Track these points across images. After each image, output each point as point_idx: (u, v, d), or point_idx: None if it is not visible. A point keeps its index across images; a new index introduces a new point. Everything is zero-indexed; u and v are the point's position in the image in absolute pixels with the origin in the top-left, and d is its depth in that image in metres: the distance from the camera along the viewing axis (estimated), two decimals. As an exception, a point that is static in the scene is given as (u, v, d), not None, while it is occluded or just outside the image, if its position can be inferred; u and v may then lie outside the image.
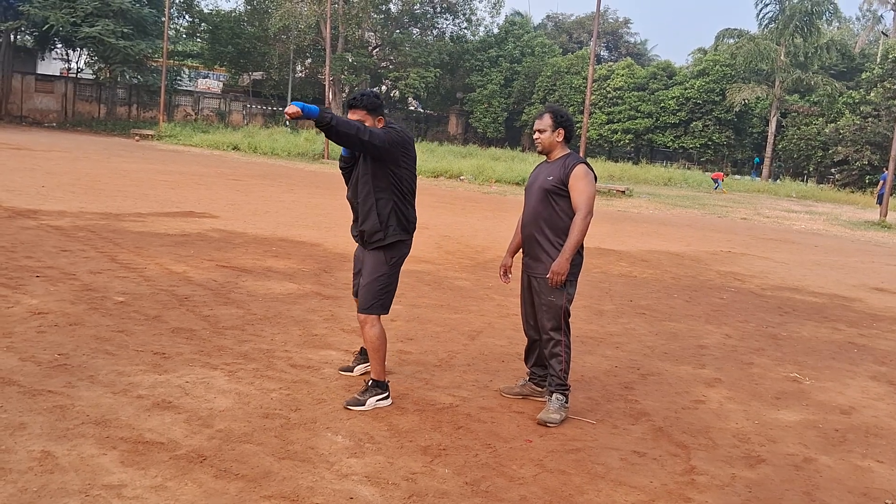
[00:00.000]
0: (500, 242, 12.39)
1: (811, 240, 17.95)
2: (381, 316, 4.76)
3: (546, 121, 4.89)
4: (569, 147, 4.99)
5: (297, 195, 17.12)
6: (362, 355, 5.34)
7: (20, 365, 4.87)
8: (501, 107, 55.99)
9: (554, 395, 4.79)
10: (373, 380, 4.74)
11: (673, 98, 50.61)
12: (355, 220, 4.84)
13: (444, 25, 58.20)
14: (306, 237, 11.17)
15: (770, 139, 47.68)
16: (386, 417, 4.52)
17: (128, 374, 4.89)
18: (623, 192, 25.77)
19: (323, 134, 4.51)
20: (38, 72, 46.16)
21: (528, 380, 5.17)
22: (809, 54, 47.27)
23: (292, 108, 4.17)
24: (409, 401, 4.85)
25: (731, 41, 50.89)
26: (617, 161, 47.13)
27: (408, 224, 4.76)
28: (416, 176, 4.82)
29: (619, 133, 51.93)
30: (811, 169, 48.52)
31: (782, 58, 46.93)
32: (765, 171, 47.23)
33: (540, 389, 5.09)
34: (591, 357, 6.25)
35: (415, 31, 56.17)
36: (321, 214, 14.17)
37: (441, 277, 9.05)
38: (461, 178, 27.20)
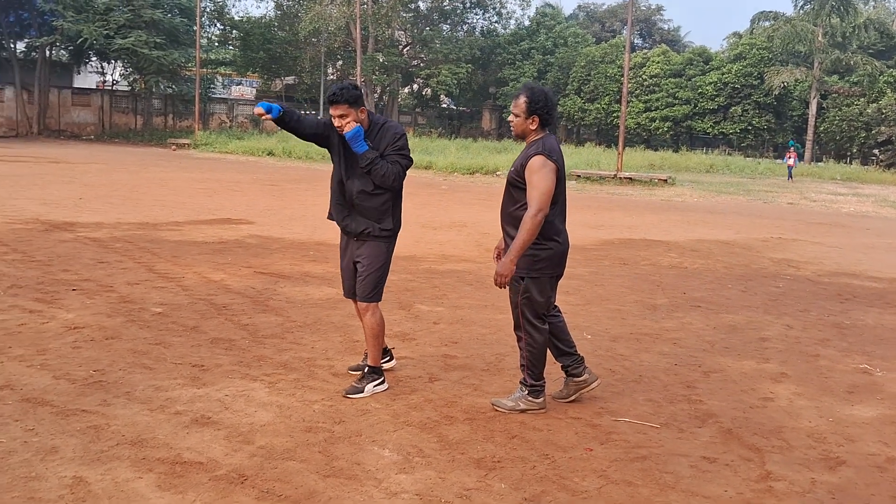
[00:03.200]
0: (541, 237, 12.06)
1: (861, 223, 17.36)
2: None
3: (520, 105, 4.46)
4: (548, 130, 4.52)
5: (333, 197, 16.93)
6: None
7: (53, 384, 4.69)
8: (535, 100, 55.45)
9: (519, 385, 4.67)
10: (369, 366, 4.84)
11: (710, 83, 49.70)
12: (349, 213, 4.81)
13: (475, 20, 57.85)
14: (344, 239, 10.95)
15: (811, 121, 46.60)
16: (434, 428, 4.26)
17: (165, 388, 4.70)
18: (665, 180, 25.23)
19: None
20: (75, 86, 46.70)
21: (567, 376, 4.82)
22: (847, 34, 46.12)
23: (347, 129, 4.53)
24: (459, 409, 4.58)
25: (767, 24, 49.84)
26: (657, 149, 46.35)
27: (399, 220, 4.87)
28: None
29: (658, 121, 51.11)
30: (854, 150, 47.34)
31: (820, 38, 45.81)
32: (806, 154, 46.16)
33: (580, 378, 4.76)
34: (647, 355, 5.93)
35: (445, 28, 55.87)
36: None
37: (483, 276, 8.76)
38: (497, 173, 26.86)
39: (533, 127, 4.47)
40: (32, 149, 30.06)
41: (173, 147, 36.06)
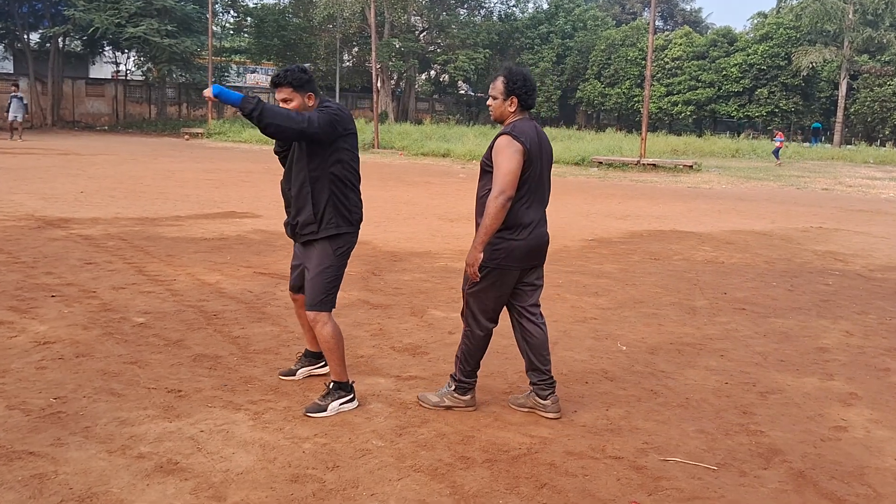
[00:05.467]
0: (564, 230, 11.30)
1: (904, 209, 16.42)
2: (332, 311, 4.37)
3: (498, 86, 4.13)
4: (528, 115, 4.20)
5: (346, 188, 16.22)
6: (306, 357, 4.84)
7: (5, 416, 4.02)
8: (554, 84, 54.32)
9: (449, 378, 4.37)
10: (333, 381, 4.29)
11: (735, 65, 48.38)
12: (288, 212, 4.34)
13: (492, 4, 56.81)
14: (354, 234, 10.24)
15: (840, 103, 45.24)
16: (447, 474, 3.54)
17: (131, 422, 4.00)
18: (691, 166, 24.29)
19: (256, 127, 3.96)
20: (91, 76, 46.22)
21: (533, 390, 4.33)
22: (879, 11, 44.58)
23: (208, 92, 3.82)
24: (476, 446, 3.85)
25: (795, 2, 48.48)
26: (679, 134, 45.18)
27: (349, 214, 4.26)
28: (358, 158, 4.34)
29: (680, 105, 49.91)
30: (887, 132, 45.94)
31: (850, 16, 44.37)
32: (836, 137, 44.91)
33: (543, 402, 4.26)
34: (693, 371, 5.17)
35: (462, 12, 54.85)
36: (372, 209, 13.16)
37: (504, 274, 8.01)
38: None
39: (511, 109, 4.13)
40: (44, 140, 29.54)
41: (186, 137, 35.46)
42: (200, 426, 3.98)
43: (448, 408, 4.28)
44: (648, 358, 5.41)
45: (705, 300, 7.25)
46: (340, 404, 4.23)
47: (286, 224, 4.40)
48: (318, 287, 4.23)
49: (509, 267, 4.08)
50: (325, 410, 4.18)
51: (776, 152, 30.42)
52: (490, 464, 3.66)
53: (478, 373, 4.35)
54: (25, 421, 3.98)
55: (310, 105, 4.14)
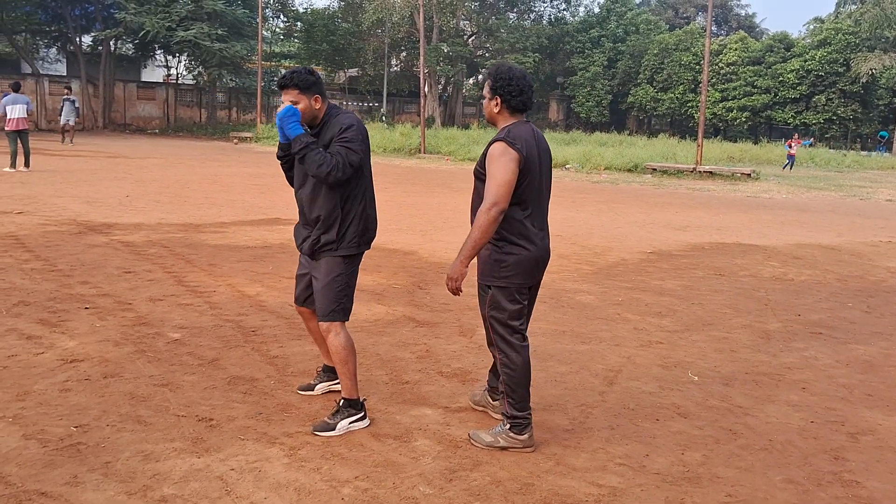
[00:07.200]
0: (620, 241, 10.79)
1: (978, 222, 15.54)
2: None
3: (486, 85, 3.94)
4: (523, 117, 3.95)
5: (391, 194, 15.89)
6: (325, 372, 4.61)
7: (20, 446, 3.69)
8: (605, 89, 53.57)
9: (503, 419, 3.97)
10: (344, 399, 4.10)
11: (792, 71, 47.17)
12: (305, 224, 4.14)
13: (542, 8, 56.29)
14: (399, 243, 9.87)
15: (901, 110, 43.87)
16: (504, 531, 3.11)
17: (156, 456, 3.65)
18: (749, 174, 23.51)
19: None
20: (143, 79, 46.74)
21: (489, 391, 4.30)
22: (942, 16, 43.18)
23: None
24: (537, 497, 3.41)
25: (854, 7, 47.13)
26: (735, 141, 44.11)
27: (367, 232, 4.11)
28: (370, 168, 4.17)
29: (735, 111, 48.83)
30: (949, 141, 44.40)
31: (911, 22, 43.03)
32: (896, 146, 43.54)
33: (494, 403, 4.22)
34: (773, 407, 4.65)
35: (511, 16, 54.39)
36: (416, 215, 12.88)
37: (558, 291, 7.56)
38: (566, 167, 25.50)
39: (496, 110, 3.91)
40: (95, 143, 29.78)
41: (235, 140, 35.55)
42: (231, 463, 3.61)
43: (503, 448, 3.86)
44: (723, 390, 4.91)
45: (779, 322, 6.71)
46: (350, 423, 4.04)
47: (297, 231, 4.21)
48: (329, 297, 4.02)
49: (526, 282, 3.87)
50: (335, 429, 3.98)
51: (791, 160, 29.18)
52: (552, 519, 3.22)
53: (531, 404, 3.94)
54: (41, 454, 3.64)
55: (316, 108, 3.97)
